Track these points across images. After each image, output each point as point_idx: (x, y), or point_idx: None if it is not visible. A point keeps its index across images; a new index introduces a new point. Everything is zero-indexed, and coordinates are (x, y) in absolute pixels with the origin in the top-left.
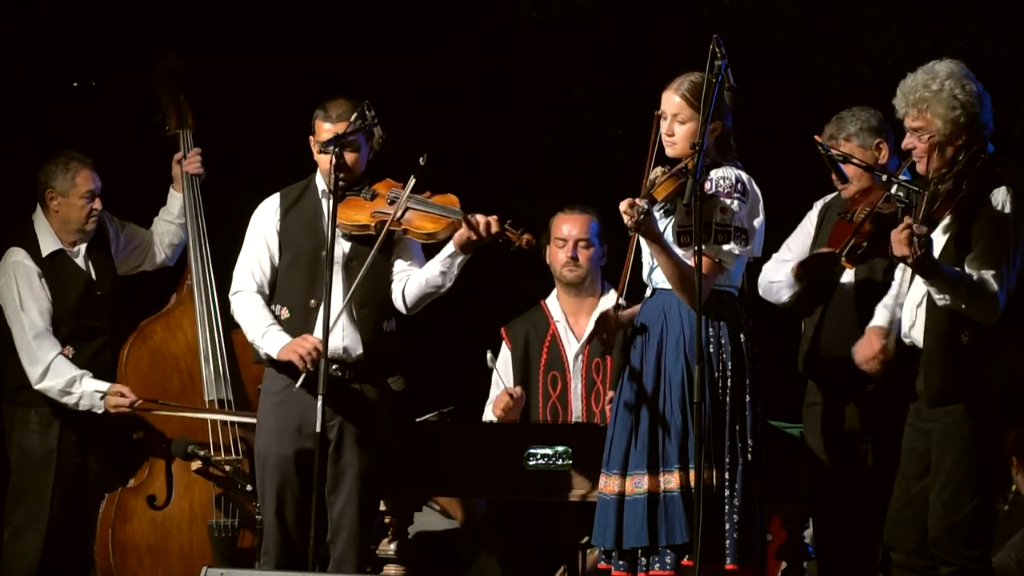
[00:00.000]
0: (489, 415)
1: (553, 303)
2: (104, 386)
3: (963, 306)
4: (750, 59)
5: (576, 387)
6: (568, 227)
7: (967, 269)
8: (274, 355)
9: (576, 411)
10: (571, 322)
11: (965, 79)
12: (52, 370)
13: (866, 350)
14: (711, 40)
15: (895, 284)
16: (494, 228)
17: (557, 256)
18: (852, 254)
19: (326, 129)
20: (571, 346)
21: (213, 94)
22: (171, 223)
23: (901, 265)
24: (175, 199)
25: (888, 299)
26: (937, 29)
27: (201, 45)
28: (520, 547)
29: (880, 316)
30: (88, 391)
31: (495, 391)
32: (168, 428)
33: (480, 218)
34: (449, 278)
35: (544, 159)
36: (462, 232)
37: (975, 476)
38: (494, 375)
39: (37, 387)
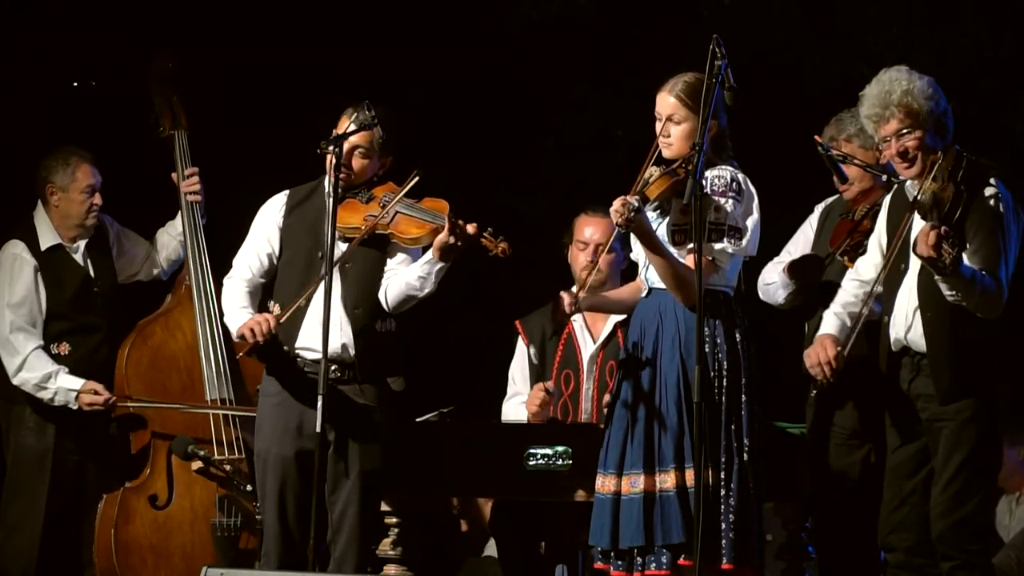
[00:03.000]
0: (512, 414)
1: None
2: (78, 383)
3: (974, 301)
4: (750, 59)
5: (588, 388)
6: (590, 230)
7: (970, 264)
8: (233, 332)
9: (587, 411)
10: (588, 323)
11: (917, 74)
12: (28, 364)
13: (819, 354)
14: (711, 40)
15: (842, 292)
16: (470, 231)
17: (578, 259)
18: (852, 253)
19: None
20: (587, 347)
21: (210, 94)
22: (174, 238)
23: (854, 274)
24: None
25: (836, 306)
26: (937, 29)
27: (199, 45)
28: (520, 547)
29: (830, 323)
30: (63, 387)
31: (513, 387)
32: (169, 428)
33: (459, 222)
34: (429, 284)
35: (544, 159)
36: (441, 237)
37: (983, 470)
38: (511, 371)
39: (14, 380)
